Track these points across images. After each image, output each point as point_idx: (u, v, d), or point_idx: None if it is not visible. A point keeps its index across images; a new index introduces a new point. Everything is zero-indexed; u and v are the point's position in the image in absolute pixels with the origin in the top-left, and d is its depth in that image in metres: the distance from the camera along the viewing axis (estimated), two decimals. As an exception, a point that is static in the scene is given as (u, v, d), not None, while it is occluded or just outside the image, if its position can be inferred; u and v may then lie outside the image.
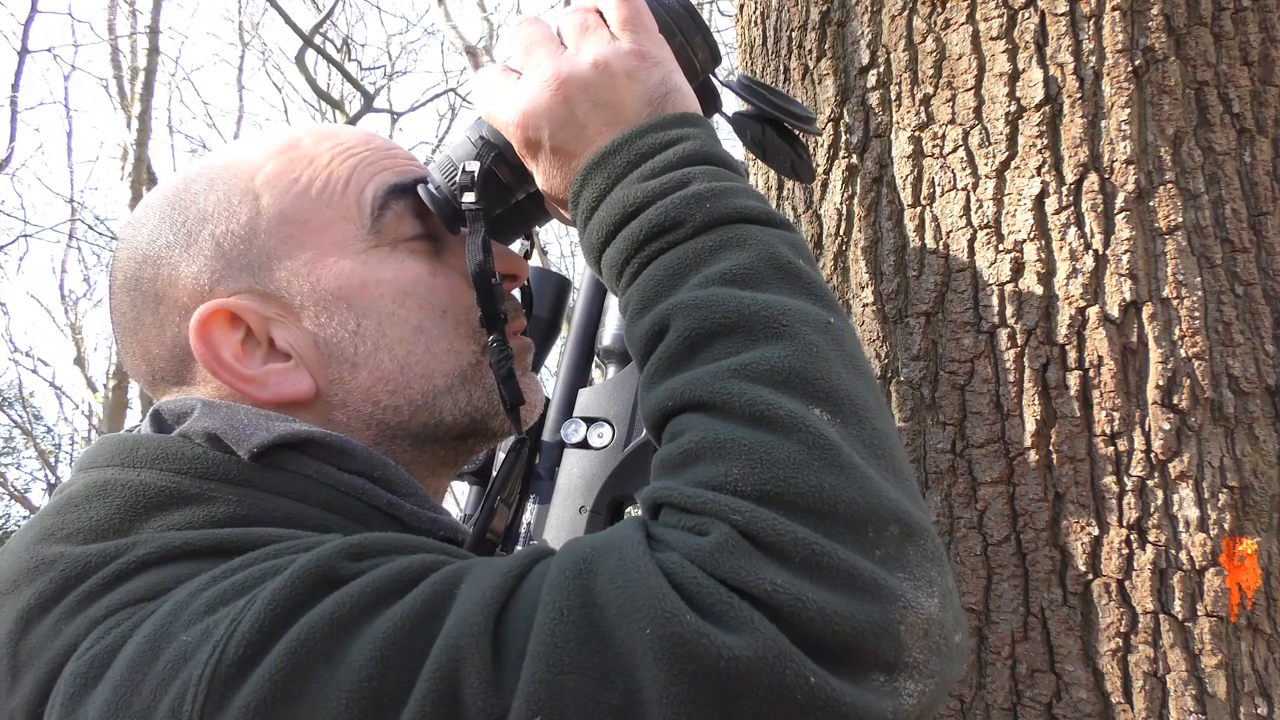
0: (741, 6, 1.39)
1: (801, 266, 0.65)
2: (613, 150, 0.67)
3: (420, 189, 0.74)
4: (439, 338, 0.72)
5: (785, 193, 1.26)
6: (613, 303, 0.99)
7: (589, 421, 0.94)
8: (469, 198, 0.71)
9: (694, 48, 0.77)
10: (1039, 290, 1.03)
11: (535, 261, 0.89)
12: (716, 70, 0.81)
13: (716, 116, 0.85)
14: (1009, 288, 1.04)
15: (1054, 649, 0.99)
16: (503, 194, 0.76)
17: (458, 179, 0.72)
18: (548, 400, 0.98)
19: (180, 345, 0.71)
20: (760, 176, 1.31)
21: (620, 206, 0.66)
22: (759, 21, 1.32)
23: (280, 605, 0.51)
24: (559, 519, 0.91)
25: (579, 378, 1.00)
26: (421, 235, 0.75)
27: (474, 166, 0.72)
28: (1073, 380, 1.01)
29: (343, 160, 0.72)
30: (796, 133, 0.85)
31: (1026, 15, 1.07)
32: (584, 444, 0.93)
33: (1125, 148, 1.04)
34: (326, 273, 0.69)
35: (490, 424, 0.75)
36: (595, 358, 1.03)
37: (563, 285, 1.04)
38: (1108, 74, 1.05)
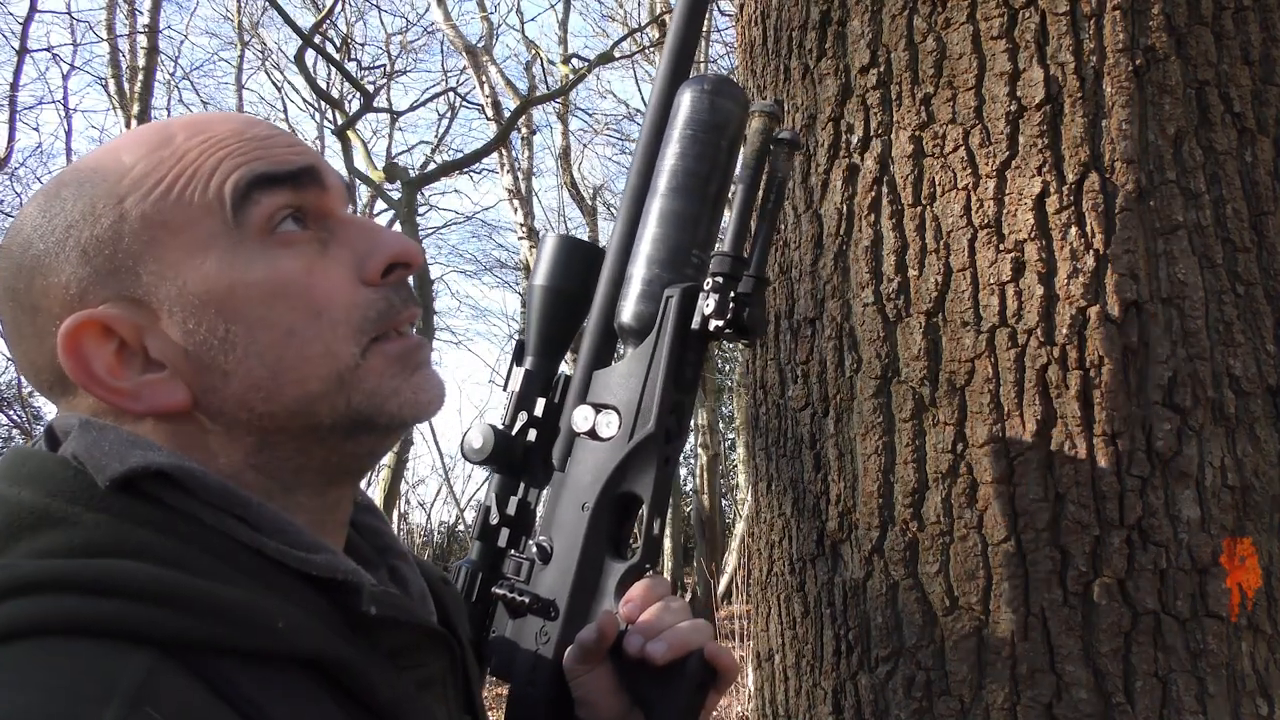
0: (741, 6, 1.38)
1: None
2: None
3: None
4: (313, 340, 0.67)
5: (786, 193, 1.25)
6: (635, 274, 0.89)
7: (598, 408, 0.87)
8: None
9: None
10: (1039, 290, 1.03)
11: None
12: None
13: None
14: (1009, 288, 1.04)
15: (1054, 649, 0.99)
16: None
17: None
18: (567, 379, 0.92)
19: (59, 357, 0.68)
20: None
21: None
22: (759, 21, 1.32)
23: None
24: (564, 514, 0.86)
25: (598, 358, 0.91)
26: (299, 227, 0.68)
27: None
28: (1073, 380, 1.01)
29: (210, 153, 0.67)
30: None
31: (1027, 15, 1.07)
32: (592, 433, 0.87)
33: (1126, 147, 1.04)
34: (193, 275, 0.65)
35: (377, 420, 0.69)
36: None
37: (593, 255, 0.94)
38: (1108, 73, 1.05)
